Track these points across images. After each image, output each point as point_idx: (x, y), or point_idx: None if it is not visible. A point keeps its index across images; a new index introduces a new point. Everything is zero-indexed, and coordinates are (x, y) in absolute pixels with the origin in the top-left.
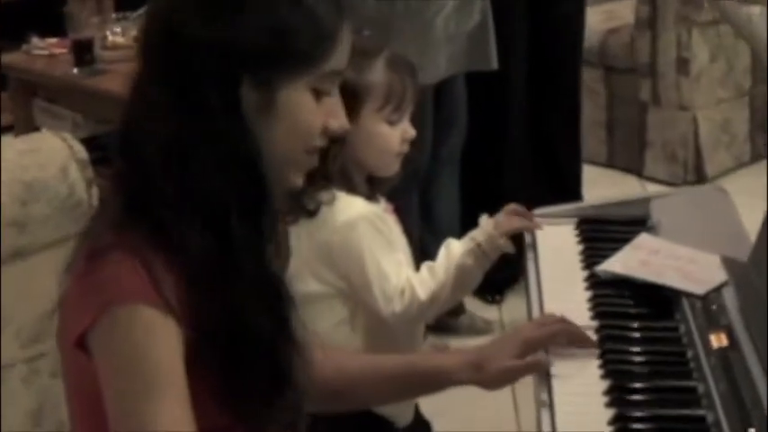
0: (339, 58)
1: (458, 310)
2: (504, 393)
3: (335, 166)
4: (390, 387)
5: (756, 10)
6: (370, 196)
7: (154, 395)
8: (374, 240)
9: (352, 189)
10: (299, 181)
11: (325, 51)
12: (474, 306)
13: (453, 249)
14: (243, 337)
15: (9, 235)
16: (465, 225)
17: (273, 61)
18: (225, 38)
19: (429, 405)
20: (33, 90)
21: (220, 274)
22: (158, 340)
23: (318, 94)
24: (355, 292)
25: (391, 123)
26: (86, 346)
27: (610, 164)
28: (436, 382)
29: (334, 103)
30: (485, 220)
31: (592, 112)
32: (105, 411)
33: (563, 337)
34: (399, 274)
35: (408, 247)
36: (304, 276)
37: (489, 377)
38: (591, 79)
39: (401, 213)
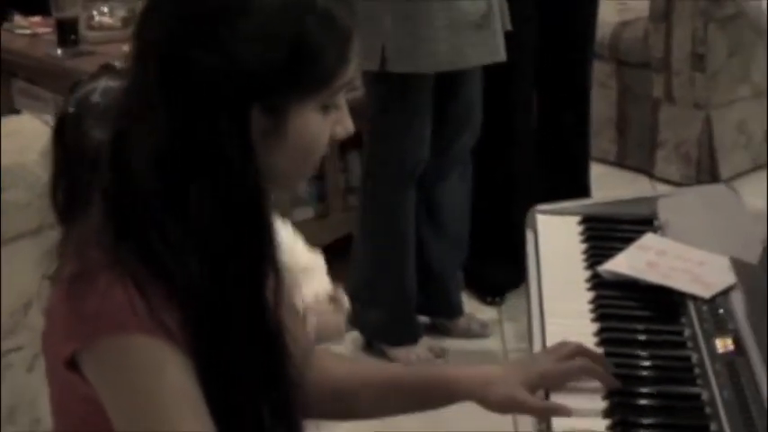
0: (352, 69)
1: (455, 312)
2: None
3: None
4: (390, 398)
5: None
6: None
7: (174, 422)
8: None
9: None
10: (301, 188)
11: (340, 70)
12: (473, 307)
13: None
14: (231, 380)
15: None
16: (474, 226)
17: (286, 87)
18: (233, 63)
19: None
20: (13, 71)
21: (214, 308)
22: (164, 370)
23: (327, 108)
24: None
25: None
26: (77, 367)
27: (620, 163)
28: (439, 392)
29: (343, 109)
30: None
31: (602, 108)
32: (89, 429)
33: (582, 375)
34: None
35: None
36: None
37: (495, 400)
38: (602, 74)
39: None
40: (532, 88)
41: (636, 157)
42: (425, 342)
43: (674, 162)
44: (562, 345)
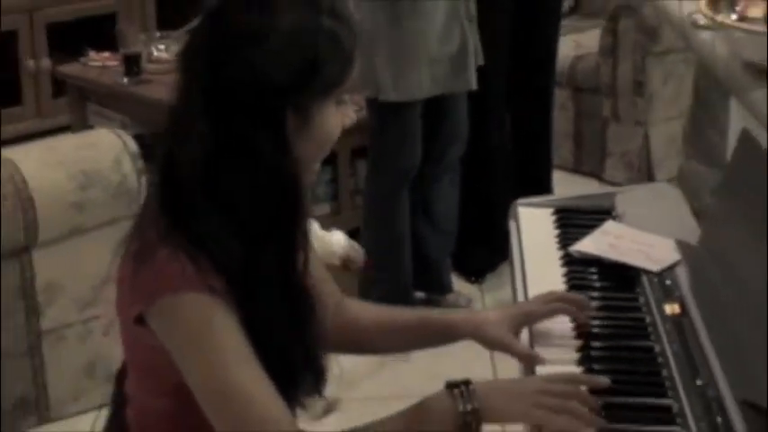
0: (355, 71)
1: (446, 289)
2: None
3: None
4: (402, 337)
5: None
6: None
7: (229, 364)
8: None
9: None
10: (317, 170)
11: (348, 72)
12: (459, 285)
13: None
14: (267, 332)
15: (70, 215)
16: (460, 221)
17: (311, 91)
18: (268, 75)
19: None
20: (88, 96)
21: (252, 279)
22: (214, 319)
23: (338, 102)
24: None
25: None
26: (146, 323)
27: (576, 169)
28: (443, 335)
29: (347, 102)
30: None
31: (562, 125)
32: (161, 376)
33: (563, 314)
34: None
35: None
36: None
37: (487, 339)
38: (561, 98)
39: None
40: (505, 109)
41: (589, 164)
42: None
43: (619, 168)
44: (550, 292)
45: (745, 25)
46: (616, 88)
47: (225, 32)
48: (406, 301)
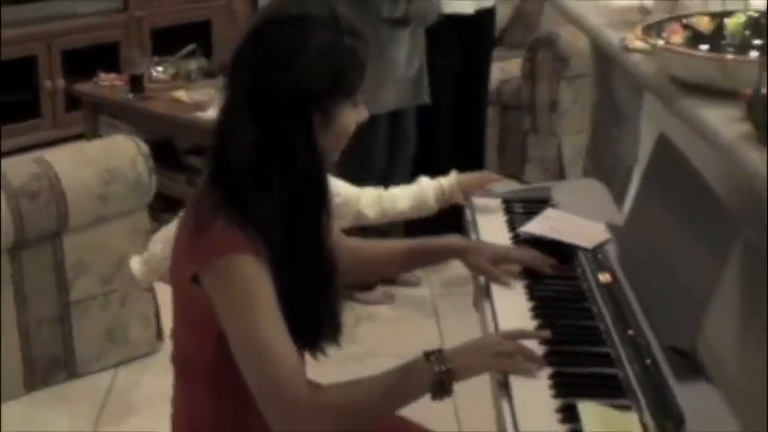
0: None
1: None
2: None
3: None
4: (400, 262)
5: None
6: None
7: (262, 321)
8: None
9: None
10: (336, 158)
11: (363, 79)
12: None
13: (422, 182)
14: (299, 293)
15: (96, 205)
16: None
17: (334, 97)
18: (300, 84)
19: None
20: (100, 109)
21: (289, 248)
22: (258, 281)
23: (354, 104)
24: None
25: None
26: (199, 281)
27: (499, 172)
28: (434, 256)
29: (362, 102)
30: (454, 175)
31: (489, 137)
32: (207, 326)
33: (535, 265)
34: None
35: None
36: None
37: (469, 263)
38: (490, 114)
39: None
40: (449, 125)
41: (511, 168)
42: (380, 289)
43: (537, 172)
44: (528, 249)
45: (671, 47)
46: (535, 106)
47: (266, 47)
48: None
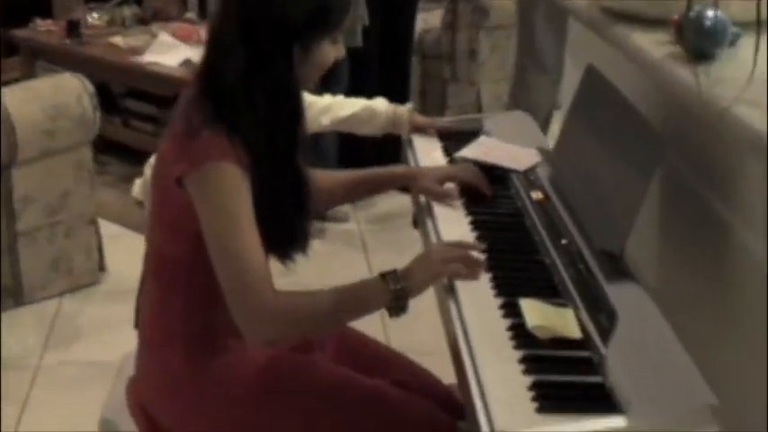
0: (349, 17)
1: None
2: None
3: None
4: (358, 190)
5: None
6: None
7: (239, 225)
8: None
9: None
10: (313, 86)
11: (345, 16)
12: None
13: (377, 100)
14: (276, 202)
15: (42, 140)
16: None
17: (315, 32)
18: (285, 17)
19: None
20: (37, 55)
21: (268, 158)
22: (239, 188)
23: (335, 40)
24: None
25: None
26: (183, 185)
27: None
28: (380, 185)
29: (340, 41)
30: (410, 105)
31: (412, 83)
32: (184, 226)
33: (474, 181)
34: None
35: None
36: None
37: (417, 187)
38: (412, 63)
39: None
40: (376, 69)
41: (432, 115)
42: (312, 225)
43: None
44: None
45: None
46: (455, 55)
47: None
48: None
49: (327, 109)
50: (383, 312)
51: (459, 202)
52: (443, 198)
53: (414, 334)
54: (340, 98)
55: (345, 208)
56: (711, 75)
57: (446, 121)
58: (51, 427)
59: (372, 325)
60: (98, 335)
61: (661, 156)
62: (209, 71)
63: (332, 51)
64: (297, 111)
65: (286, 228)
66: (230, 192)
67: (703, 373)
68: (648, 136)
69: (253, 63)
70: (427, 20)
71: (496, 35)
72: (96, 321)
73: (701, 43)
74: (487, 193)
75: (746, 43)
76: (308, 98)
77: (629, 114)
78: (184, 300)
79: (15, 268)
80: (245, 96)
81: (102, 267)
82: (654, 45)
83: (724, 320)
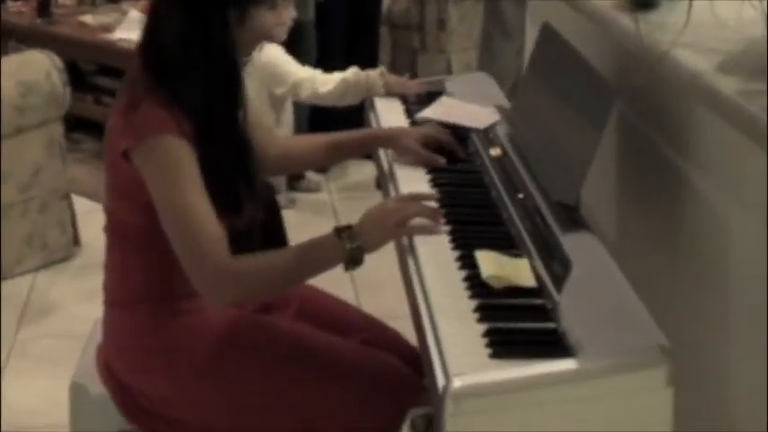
0: None
1: (300, 176)
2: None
3: None
4: (328, 153)
5: None
6: None
7: (188, 193)
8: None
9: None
10: (252, 55)
11: None
12: (309, 174)
13: (349, 71)
14: (220, 159)
15: (14, 116)
16: (310, 124)
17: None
18: None
19: None
20: (9, 34)
21: (209, 124)
22: (182, 158)
23: (273, 6)
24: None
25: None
26: (130, 159)
27: None
28: (359, 147)
29: (284, 5)
30: (381, 68)
31: (381, 55)
32: (136, 198)
33: (449, 143)
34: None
35: None
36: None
37: (398, 147)
38: (381, 34)
39: None
40: (342, 44)
41: None
42: (284, 195)
43: None
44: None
45: None
46: (424, 25)
47: None
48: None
49: (306, 82)
50: (354, 277)
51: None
52: (430, 159)
53: (383, 298)
54: (318, 73)
55: (317, 178)
56: (652, 21)
57: (414, 82)
58: (27, 397)
59: (343, 289)
60: (72, 308)
61: (610, 105)
62: (149, 41)
63: (270, 18)
64: (234, 75)
65: (230, 193)
66: (174, 163)
67: (656, 316)
68: (599, 87)
69: (189, 28)
70: None
71: (465, 5)
72: (71, 295)
73: None
74: (460, 155)
75: None
76: (290, 66)
77: (581, 67)
78: (142, 265)
79: None
80: (183, 61)
81: (76, 242)
82: None
83: (676, 264)
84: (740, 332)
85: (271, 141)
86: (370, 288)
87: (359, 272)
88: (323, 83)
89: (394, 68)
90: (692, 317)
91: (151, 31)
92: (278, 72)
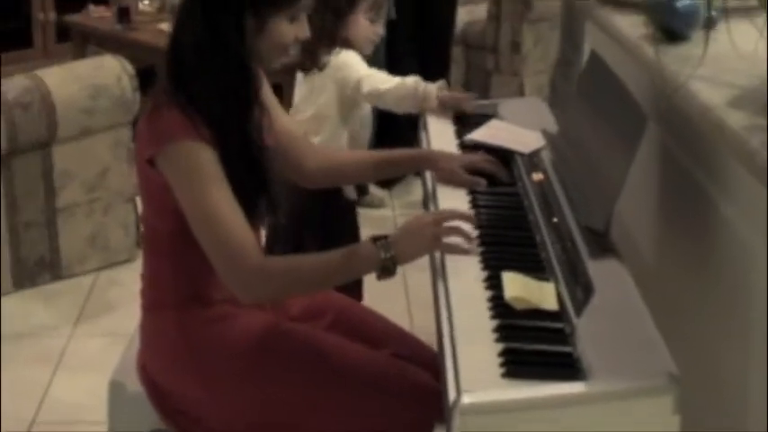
0: None
1: (364, 191)
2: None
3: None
4: (375, 169)
5: None
6: None
7: (213, 195)
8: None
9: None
10: (276, 67)
11: None
12: (373, 189)
13: (409, 78)
14: (235, 170)
15: (82, 119)
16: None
17: (268, 6)
18: None
19: None
20: (89, 39)
21: (226, 130)
22: (204, 161)
23: (293, 18)
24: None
25: (372, 22)
26: (155, 165)
27: None
28: (402, 167)
29: (303, 21)
30: (440, 82)
31: (454, 75)
32: (164, 203)
33: (496, 173)
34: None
35: None
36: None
37: (441, 169)
38: (456, 54)
39: None
40: (414, 55)
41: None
42: None
43: None
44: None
45: None
46: (498, 47)
47: None
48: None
49: (369, 77)
50: (409, 297)
51: (483, 183)
52: (471, 182)
53: None
54: (381, 72)
55: (381, 194)
56: (679, 53)
57: (469, 96)
58: (74, 392)
59: (396, 303)
60: (129, 309)
61: (642, 132)
62: (171, 46)
63: (291, 30)
64: (248, 84)
65: (242, 200)
66: (196, 167)
67: (680, 338)
68: (634, 114)
69: (205, 33)
70: (473, 11)
71: (539, 27)
72: (129, 296)
73: (671, 25)
74: (502, 178)
75: (733, 27)
76: (359, 66)
77: (620, 94)
78: (172, 270)
79: (54, 243)
80: (198, 66)
81: (138, 244)
82: (630, 26)
83: (702, 293)
84: (761, 358)
85: (310, 152)
86: (423, 304)
87: (413, 287)
88: (383, 81)
89: (468, 89)
90: (714, 339)
91: (174, 37)
92: (347, 72)
